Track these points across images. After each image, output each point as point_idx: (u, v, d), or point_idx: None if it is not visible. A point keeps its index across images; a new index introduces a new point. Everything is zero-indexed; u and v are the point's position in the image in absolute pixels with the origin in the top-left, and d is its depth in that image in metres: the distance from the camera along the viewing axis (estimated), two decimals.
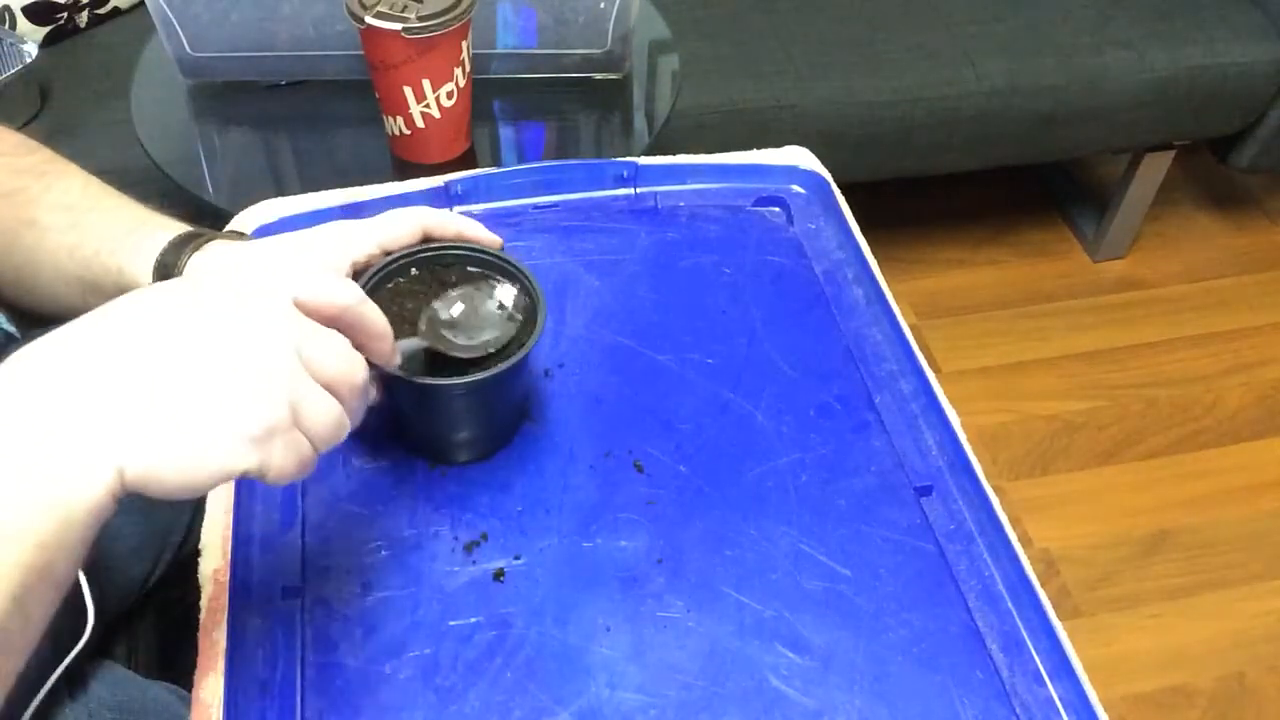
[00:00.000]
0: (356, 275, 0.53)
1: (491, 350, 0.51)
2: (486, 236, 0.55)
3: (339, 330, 0.42)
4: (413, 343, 0.49)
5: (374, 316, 0.43)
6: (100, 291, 0.56)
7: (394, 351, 0.46)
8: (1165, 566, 1.31)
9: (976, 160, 1.43)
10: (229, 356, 0.37)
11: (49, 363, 0.36)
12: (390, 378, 0.49)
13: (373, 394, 0.49)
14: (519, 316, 0.52)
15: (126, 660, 0.65)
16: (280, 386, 0.38)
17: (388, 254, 0.54)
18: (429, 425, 0.54)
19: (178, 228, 0.56)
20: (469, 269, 0.54)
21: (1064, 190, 1.76)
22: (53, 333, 0.37)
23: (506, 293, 0.53)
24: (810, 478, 0.54)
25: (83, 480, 0.35)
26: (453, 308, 0.52)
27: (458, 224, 0.55)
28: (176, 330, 0.37)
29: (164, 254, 0.55)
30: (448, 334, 0.51)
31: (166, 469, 0.36)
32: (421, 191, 0.66)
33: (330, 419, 0.40)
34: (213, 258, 0.55)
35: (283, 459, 0.38)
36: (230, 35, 0.90)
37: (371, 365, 0.46)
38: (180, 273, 0.54)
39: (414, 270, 0.54)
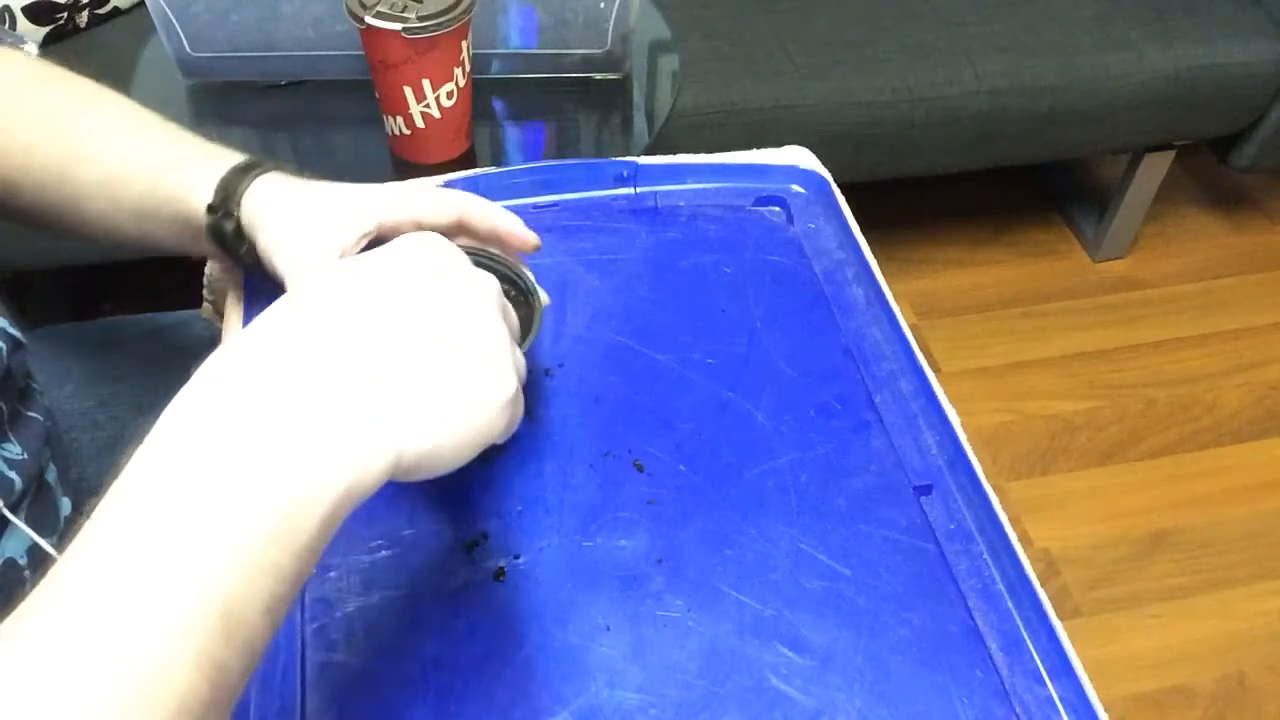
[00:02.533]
0: None
1: None
2: (523, 235, 0.55)
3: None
4: None
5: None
6: (156, 217, 0.56)
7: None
8: (1165, 566, 1.31)
9: (976, 160, 1.43)
10: (479, 327, 0.37)
11: (293, 353, 0.34)
12: None
13: None
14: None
15: None
16: (508, 348, 0.38)
17: (418, 225, 0.54)
18: None
19: (233, 155, 0.56)
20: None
21: (1064, 190, 1.76)
22: (267, 323, 0.35)
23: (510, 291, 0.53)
24: (810, 477, 0.54)
25: (363, 469, 0.33)
26: None
27: (495, 218, 0.54)
28: (412, 308, 0.36)
29: (224, 182, 0.54)
30: None
31: (444, 447, 0.35)
32: None
33: (523, 372, 0.40)
34: (273, 187, 0.55)
35: (517, 418, 0.39)
36: (230, 35, 0.90)
37: None
38: (240, 199, 0.54)
39: None
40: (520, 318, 0.52)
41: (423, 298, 0.37)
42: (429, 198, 0.54)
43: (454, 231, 0.55)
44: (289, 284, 0.53)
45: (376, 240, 0.54)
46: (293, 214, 0.54)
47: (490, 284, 0.39)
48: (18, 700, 0.27)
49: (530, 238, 0.55)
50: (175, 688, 0.29)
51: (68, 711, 0.27)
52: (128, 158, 0.56)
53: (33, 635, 0.29)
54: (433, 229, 0.54)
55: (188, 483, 0.31)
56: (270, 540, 0.31)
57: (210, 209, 0.54)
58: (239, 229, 0.54)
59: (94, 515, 0.31)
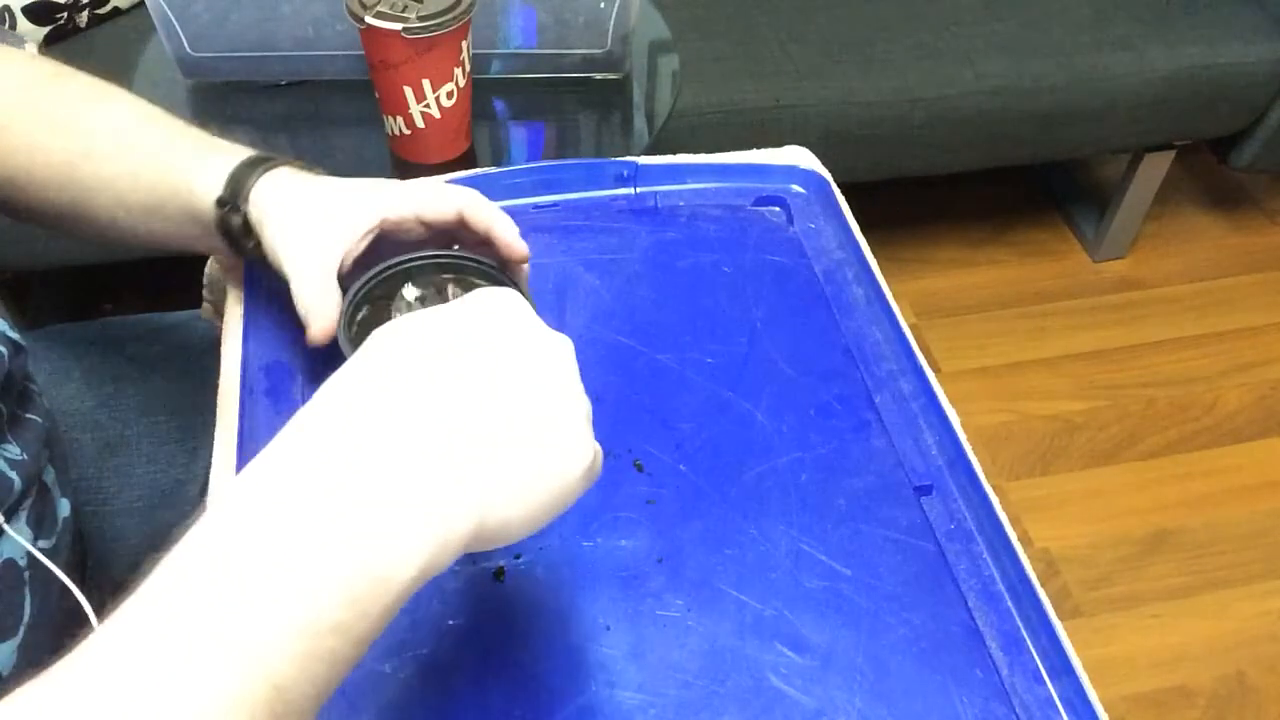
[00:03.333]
0: (358, 271, 0.54)
1: None
2: (515, 244, 0.54)
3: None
4: None
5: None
6: (163, 213, 0.56)
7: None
8: (1165, 566, 1.31)
9: (976, 160, 1.43)
10: (551, 392, 0.35)
11: (370, 422, 0.33)
12: None
13: None
14: None
15: None
16: (584, 412, 0.36)
17: (420, 222, 0.54)
18: None
19: (241, 150, 0.56)
20: (468, 278, 0.54)
21: (1064, 190, 1.76)
22: (341, 389, 0.34)
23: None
24: (810, 477, 0.54)
25: (443, 544, 0.32)
26: (414, 306, 0.52)
27: (491, 221, 0.54)
28: (492, 373, 0.35)
29: (234, 175, 0.54)
30: None
31: (524, 518, 0.34)
32: None
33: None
34: (281, 182, 0.55)
35: (598, 469, 0.37)
36: (230, 35, 0.90)
37: None
38: (249, 193, 0.54)
39: (408, 280, 0.54)
40: None
41: (502, 362, 0.35)
42: (431, 194, 0.54)
43: (455, 227, 0.55)
44: (291, 279, 0.53)
45: (380, 236, 0.54)
46: (298, 209, 0.54)
47: (566, 346, 0.37)
48: None
49: (519, 249, 0.54)
50: None
51: None
52: (135, 154, 0.56)
53: (77, 700, 0.27)
54: (434, 224, 0.54)
55: (251, 562, 0.30)
56: (333, 630, 0.30)
57: (219, 203, 0.54)
58: (247, 223, 0.54)
59: (150, 577, 0.30)
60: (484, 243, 0.55)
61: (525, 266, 0.55)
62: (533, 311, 0.38)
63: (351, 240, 0.53)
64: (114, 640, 0.29)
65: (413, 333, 0.35)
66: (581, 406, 0.36)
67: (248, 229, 0.54)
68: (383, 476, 0.32)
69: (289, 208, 0.54)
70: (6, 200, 0.58)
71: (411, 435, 0.32)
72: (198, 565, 0.30)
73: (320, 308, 0.53)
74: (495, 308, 0.37)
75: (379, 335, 0.35)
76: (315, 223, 0.53)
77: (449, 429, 0.33)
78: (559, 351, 0.37)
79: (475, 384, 0.34)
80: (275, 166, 0.55)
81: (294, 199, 0.54)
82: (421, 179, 0.56)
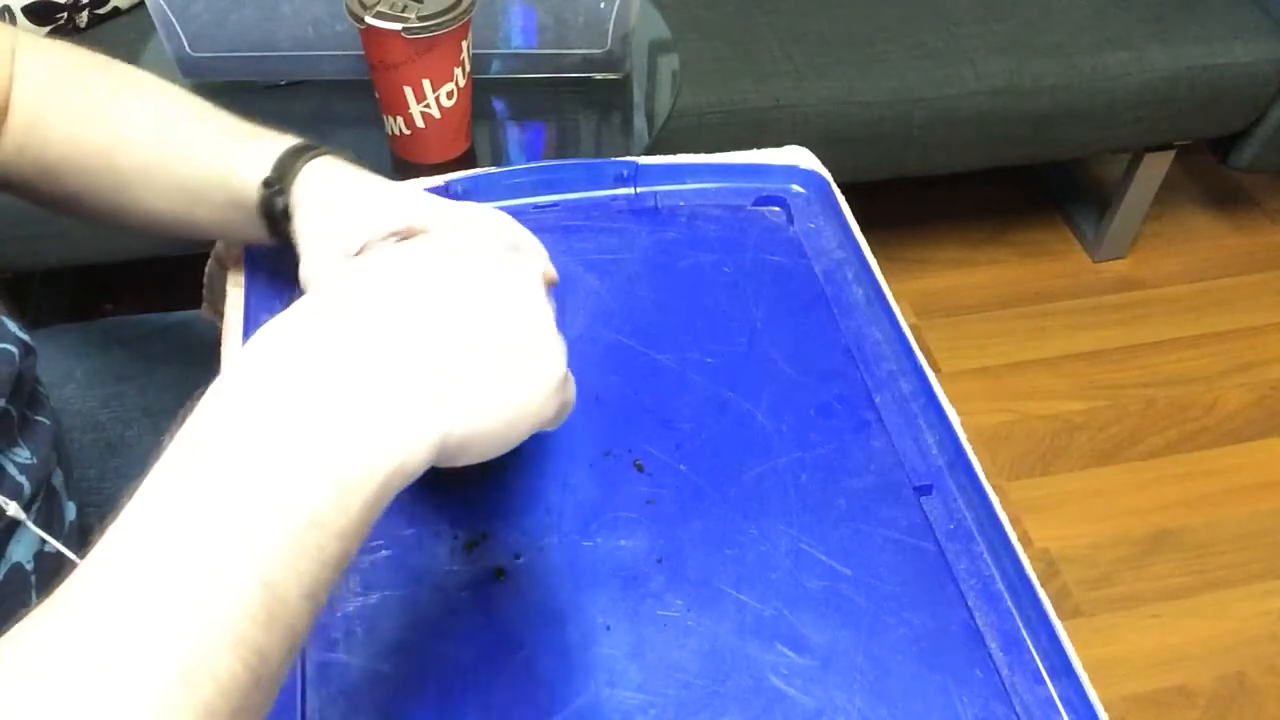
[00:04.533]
0: None
1: None
2: (546, 270, 0.54)
3: None
4: None
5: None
6: (206, 199, 0.56)
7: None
8: (1165, 566, 1.31)
9: (976, 160, 1.43)
10: (521, 310, 0.37)
11: (335, 335, 0.34)
12: None
13: None
14: None
15: None
16: (555, 333, 0.38)
17: None
18: None
19: (285, 137, 0.57)
20: None
21: (1064, 190, 1.76)
22: (308, 306, 0.35)
23: None
24: (810, 477, 0.54)
25: (408, 451, 0.33)
26: None
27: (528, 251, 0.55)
28: (455, 290, 0.36)
29: (282, 159, 0.55)
30: None
31: (491, 430, 0.35)
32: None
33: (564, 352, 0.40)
34: (325, 170, 0.55)
35: (570, 398, 0.39)
36: (230, 35, 0.90)
37: None
38: (295, 177, 0.55)
39: None
40: None
41: (464, 280, 0.36)
42: (467, 216, 0.54)
43: None
44: (303, 262, 0.53)
45: (406, 238, 0.54)
46: (332, 197, 0.54)
47: (532, 267, 0.39)
48: (55, 687, 0.27)
49: (549, 273, 0.55)
50: (215, 672, 0.29)
51: (104, 699, 0.27)
52: (175, 141, 0.56)
53: (71, 618, 0.28)
54: None
55: (229, 465, 0.31)
56: (314, 523, 0.31)
57: (266, 183, 0.55)
58: (288, 208, 0.55)
59: (133, 498, 0.31)
60: None
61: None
62: (495, 239, 0.40)
63: (373, 235, 0.53)
64: (106, 561, 0.30)
65: (378, 259, 0.36)
66: (547, 323, 0.37)
67: (288, 213, 0.55)
68: (343, 389, 0.33)
69: (324, 194, 0.54)
70: (47, 193, 0.58)
71: (373, 349, 0.34)
72: (176, 479, 0.31)
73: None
74: (456, 238, 0.39)
75: (357, 264, 0.37)
76: (343, 211, 0.54)
77: (411, 343, 0.34)
78: (521, 270, 0.38)
79: (438, 301, 0.35)
80: (322, 154, 0.56)
81: (330, 186, 0.55)
82: (453, 202, 0.56)
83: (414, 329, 0.34)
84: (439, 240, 0.38)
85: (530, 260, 0.39)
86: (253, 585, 0.30)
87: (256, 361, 0.33)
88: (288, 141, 0.56)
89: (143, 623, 0.28)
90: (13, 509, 0.49)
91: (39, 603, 0.29)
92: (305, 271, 0.54)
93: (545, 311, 0.38)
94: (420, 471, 0.34)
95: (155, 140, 0.56)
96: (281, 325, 0.34)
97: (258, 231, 0.57)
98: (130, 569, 0.29)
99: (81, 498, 0.60)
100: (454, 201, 0.56)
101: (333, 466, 0.31)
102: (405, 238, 0.54)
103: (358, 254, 0.53)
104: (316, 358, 0.33)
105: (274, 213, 0.55)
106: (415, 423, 0.33)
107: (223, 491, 0.30)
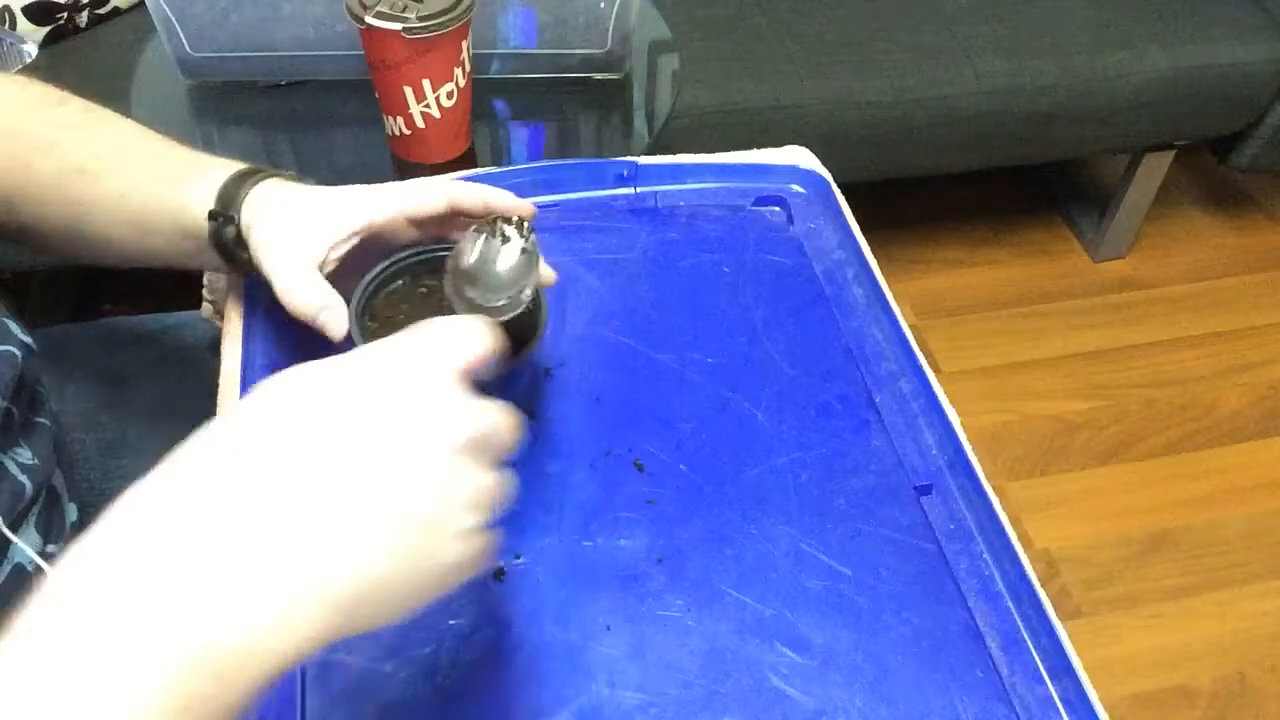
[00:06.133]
0: (348, 276, 0.54)
1: (523, 303, 0.48)
2: (516, 204, 0.55)
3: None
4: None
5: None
6: (158, 231, 0.56)
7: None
8: (1165, 566, 1.31)
9: (976, 160, 1.43)
10: (418, 483, 0.33)
11: (219, 499, 0.31)
12: None
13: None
14: (531, 250, 0.49)
15: None
16: (464, 503, 0.34)
17: (409, 221, 0.54)
18: None
19: (232, 164, 0.56)
20: None
21: (1064, 190, 1.76)
22: (183, 461, 0.32)
23: (512, 233, 0.50)
24: (810, 477, 0.54)
25: (280, 640, 0.30)
26: (470, 256, 0.49)
27: (485, 195, 0.54)
28: (347, 448, 0.33)
29: (224, 189, 0.54)
30: (471, 292, 0.48)
31: (383, 612, 0.33)
32: None
33: (503, 499, 0.36)
34: (270, 192, 0.55)
35: (479, 564, 0.35)
36: (230, 35, 0.90)
37: None
38: (240, 205, 0.54)
39: (411, 275, 0.54)
40: (523, 315, 0.52)
41: (364, 437, 0.33)
42: (416, 191, 0.54)
43: (447, 219, 0.55)
44: (272, 278, 0.53)
45: (369, 239, 0.54)
46: (283, 216, 0.54)
47: (465, 423, 0.34)
48: None
49: (525, 205, 0.55)
50: None
51: None
52: (127, 172, 0.56)
53: None
54: (423, 219, 0.54)
55: (90, 631, 0.28)
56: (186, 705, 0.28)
57: (211, 215, 0.54)
58: (239, 236, 0.54)
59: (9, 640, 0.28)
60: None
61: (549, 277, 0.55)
62: (440, 379, 0.35)
63: (335, 239, 0.53)
64: None
65: (292, 402, 0.33)
66: (452, 499, 0.33)
67: (240, 241, 0.54)
68: (227, 552, 0.30)
69: (274, 214, 0.54)
70: (1, 223, 0.58)
71: (265, 511, 0.31)
72: (29, 643, 0.28)
73: (303, 295, 0.52)
74: (391, 378, 0.34)
75: (254, 395, 0.34)
76: (297, 223, 0.53)
77: (307, 509, 0.31)
78: (450, 429, 0.34)
79: (341, 464, 0.32)
80: (265, 178, 0.55)
81: (279, 206, 0.54)
82: (413, 179, 0.56)
83: (304, 496, 0.31)
84: (344, 379, 0.34)
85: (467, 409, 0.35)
86: None
87: (130, 517, 0.31)
88: (233, 168, 0.56)
89: None
90: None
91: None
92: (281, 287, 0.52)
93: (458, 480, 0.34)
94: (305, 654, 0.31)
95: (108, 172, 0.56)
96: (149, 490, 0.31)
97: (215, 261, 0.56)
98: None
99: (82, 498, 0.60)
100: (394, 183, 0.55)
101: (211, 644, 0.29)
102: (366, 237, 0.54)
103: (323, 265, 0.53)
104: (196, 519, 0.30)
105: (225, 243, 0.54)
106: (283, 614, 0.30)
107: (77, 660, 0.28)
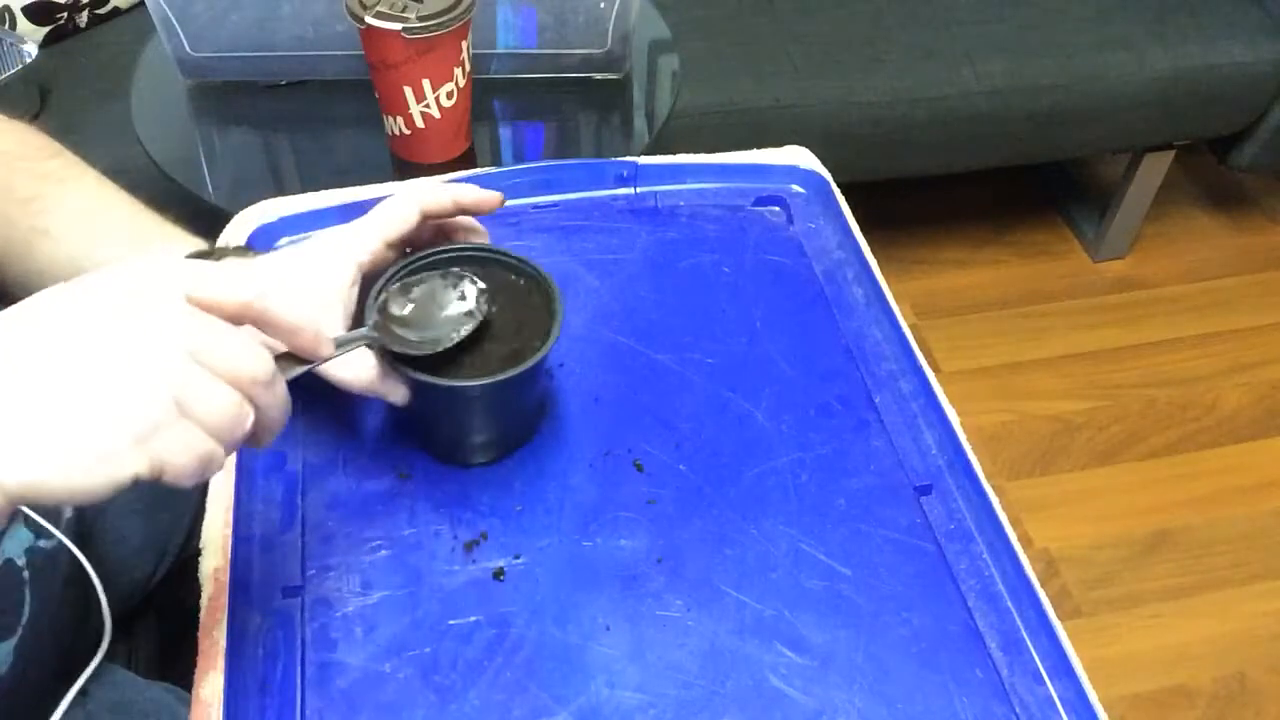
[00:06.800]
0: (371, 281, 0.53)
1: (440, 349, 0.49)
2: (483, 196, 0.54)
3: (252, 325, 0.41)
4: (357, 333, 0.48)
5: (278, 311, 0.42)
6: None
7: (321, 342, 0.44)
8: (1165, 566, 1.31)
9: (976, 160, 1.43)
10: (108, 359, 0.37)
11: None
12: (406, 379, 0.49)
13: (400, 393, 0.50)
14: (479, 314, 0.51)
15: (126, 661, 0.65)
16: (159, 383, 0.37)
17: (391, 245, 0.53)
18: (445, 426, 0.54)
19: (190, 243, 0.56)
20: (487, 269, 0.54)
21: (1064, 190, 1.76)
22: None
23: (470, 289, 0.52)
24: (810, 477, 0.54)
25: None
26: (408, 304, 0.51)
27: (451, 194, 0.54)
28: (58, 336, 0.37)
29: None
30: (399, 330, 0.50)
31: (51, 480, 0.35)
32: None
33: (225, 411, 0.38)
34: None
35: (176, 456, 0.37)
36: (230, 35, 0.90)
37: (398, 368, 0.47)
38: None
39: (424, 274, 0.54)
40: (534, 305, 0.52)
41: (80, 332, 0.37)
42: (388, 216, 0.53)
43: (425, 229, 0.54)
44: (333, 377, 0.51)
45: (367, 277, 0.53)
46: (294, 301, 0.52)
47: (172, 328, 0.38)
48: None
49: (492, 196, 0.54)
50: None
51: None
52: (91, 238, 0.56)
53: None
54: (403, 241, 0.53)
55: None
56: None
57: None
58: None
59: None
60: (458, 219, 0.55)
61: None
62: (145, 292, 0.39)
63: (344, 306, 0.51)
64: None
65: (10, 310, 0.38)
66: (139, 380, 0.37)
67: None
68: None
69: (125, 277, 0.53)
70: None
71: None
72: None
73: (359, 372, 0.51)
74: (99, 290, 0.39)
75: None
76: (308, 308, 0.51)
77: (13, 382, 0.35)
78: (134, 329, 0.38)
79: (28, 355, 0.36)
80: (223, 258, 0.55)
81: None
82: (380, 203, 0.55)
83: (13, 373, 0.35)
84: (70, 292, 0.38)
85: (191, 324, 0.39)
86: None
87: None
88: (187, 247, 0.56)
89: None
90: None
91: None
92: (339, 379, 0.51)
93: (149, 363, 0.37)
94: None
95: (71, 236, 0.56)
96: None
97: None
98: None
99: None
100: (357, 221, 0.54)
101: None
102: (368, 275, 0.53)
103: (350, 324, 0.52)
104: None
105: None
106: None
107: None
